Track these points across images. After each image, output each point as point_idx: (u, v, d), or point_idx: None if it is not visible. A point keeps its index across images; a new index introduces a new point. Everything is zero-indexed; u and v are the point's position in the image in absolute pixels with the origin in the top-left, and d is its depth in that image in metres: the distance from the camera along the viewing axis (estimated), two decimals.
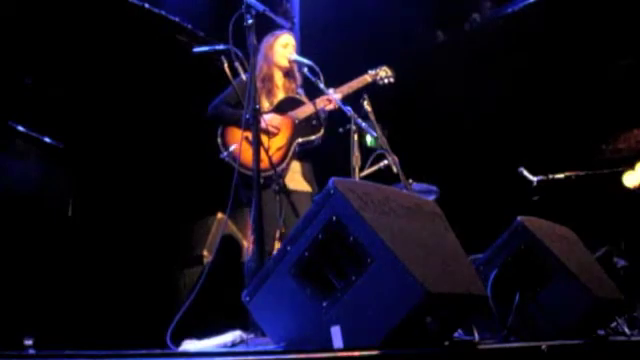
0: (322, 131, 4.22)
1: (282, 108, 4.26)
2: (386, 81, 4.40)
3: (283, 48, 4.32)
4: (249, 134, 3.55)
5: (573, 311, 3.01)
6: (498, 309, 2.89)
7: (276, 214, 4.07)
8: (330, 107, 4.21)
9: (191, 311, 2.94)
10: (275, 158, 4.06)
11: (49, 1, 4.46)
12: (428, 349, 2.17)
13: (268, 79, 4.32)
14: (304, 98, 4.33)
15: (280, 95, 4.33)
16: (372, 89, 4.38)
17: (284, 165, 4.12)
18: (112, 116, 4.74)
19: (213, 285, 3.15)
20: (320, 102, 4.21)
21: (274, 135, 4.14)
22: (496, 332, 2.94)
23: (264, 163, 3.72)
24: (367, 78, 4.36)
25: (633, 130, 6.89)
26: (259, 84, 4.14)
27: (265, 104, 4.22)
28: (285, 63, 4.32)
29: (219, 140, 4.13)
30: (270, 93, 4.30)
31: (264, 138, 3.85)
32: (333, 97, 4.14)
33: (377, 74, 4.38)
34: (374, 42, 6.30)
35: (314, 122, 4.22)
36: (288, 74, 4.38)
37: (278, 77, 4.37)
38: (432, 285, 2.17)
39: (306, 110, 4.23)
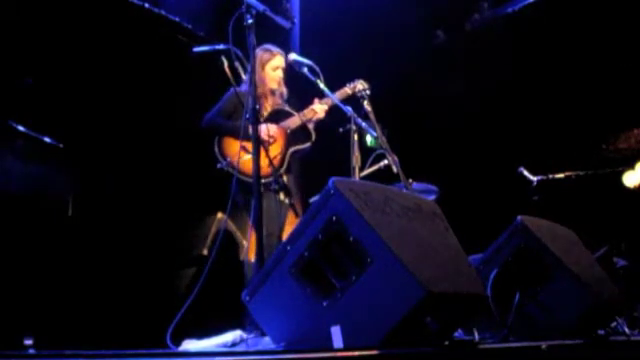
0: (313, 139, 4.43)
1: (273, 119, 4.42)
2: (364, 93, 4.48)
3: (273, 71, 4.50)
4: (247, 143, 3.60)
5: (573, 311, 3.01)
6: (498, 309, 2.89)
7: (276, 214, 4.13)
8: (318, 117, 4.42)
9: (191, 311, 2.94)
10: (271, 168, 4.16)
11: (49, 1, 4.46)
12: (428, 349, 2.17)
13: (257, 95, 4.41)
14: (291, 110, 4.50)
15: (268, 108, 4.49)
16: (372, 89, 4.40)
17: (281, 173, 4.29)
18: (112, 116, 4.73)
19: (213, 285, 3.14)
20: (308, 113, 4.42)
21: (270, 144, 4.27)
22: (496, 332, 2.94)
23: (263, 170, 3.80)
24: (347, 91, 4.48)
25: (633, 130, 6.88)
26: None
27: None
28: (274, 86, 4.51)
29: (216, 150, 4.25)
30: (259, 103, 4.39)
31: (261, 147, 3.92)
32: (333, 97, 4.24)
33: (355, 87, 4.49)
34: (374, 42, 6.30)
35: (305, 131, 4.43)
36: (274, 92, 4.55)
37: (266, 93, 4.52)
38: (432, 285, 2.17)
39: (296, 120, 4.42)
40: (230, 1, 3.66)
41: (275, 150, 4.33)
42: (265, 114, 4.41)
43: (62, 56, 4.46)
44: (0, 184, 3.78)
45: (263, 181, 3.99)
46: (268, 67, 4.48)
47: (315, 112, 4.40)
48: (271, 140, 4.29)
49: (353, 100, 4.27)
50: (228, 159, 4.20)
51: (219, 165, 4.21)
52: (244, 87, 4.22)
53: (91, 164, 4.50)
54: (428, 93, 6.71)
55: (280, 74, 4.51)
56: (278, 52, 4.53)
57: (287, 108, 4.53)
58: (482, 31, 7.10)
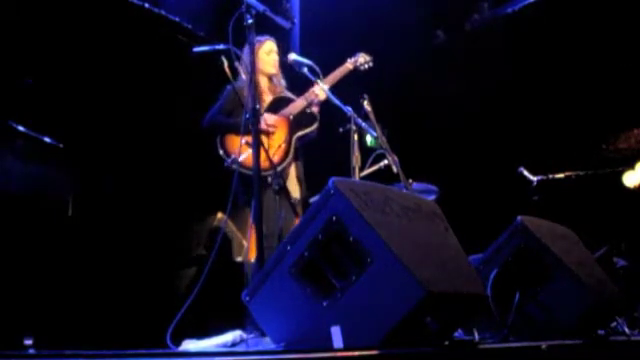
0: (317, 123, 4.35)
1: (274, 109, 4.36)
2: (366, 66, 4.52)
3: (267, 55, 4.43)
4: (248, 138, 3.59)
5: (573, 311, 3.02)
6: (498, 309, 2.89)
7: (276, 214, 4.12)
8: (319, 99, 4.31)
9: (191, 311, 2.94)
10: (277, 156, 4.13)
11: (49, 1, 4.46)
12: (428, 349, 2.17)
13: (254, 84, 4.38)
14: (292, 96, 4.43)
15: (267, 98, 4.42)
16: (372, 88, 4.41)
17: (288, 160, 4.24)
18: (112, 116, 4.73)
19: (213, 285, 3.14)
20: (309, 95, 4.32)
21: (272, 134, 4.21)
22: (496, 332, 2.94)
23: (265, 163, 3.78)
24: (348, 66, 4.47)
25: (633, 130, 6.87)
26: (246, 90, 4.18)
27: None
28: (270, 70, 4.44)
29: (220, 151, 4.23)
30: (258, 97, 4.35)
31: (263, 139, 3.92)
32: (324, 88, 4.21)
33: (357, 61, 4.49)
34: (374, 42, 6.29)
35: (308, 115, 4.34)
36: (272, 79, 4.48)
37: (263, 82, 4.47)
38: (432, 285, 2.17)
39: (298, 105, 4.34)
40: (230, 1, 3.66)
41: (279, 138, 4.26)
42: (264, 105, 4.33)
43: (62, 56, 4.46)
44: (0, 184, 3.78)
45: (264, 174, 3.98)
46: (261, 52, 4.39)
47: (316, 94, 4.30)
48: (271, 129, 4.23)
49: (353, 101, 4.26)
50: (233, 156, 4.14)
51: (226, 164, 4.16)
52: (241, 82, 4.20)
53: (91, 164, 4.50)
54: (428, 93, 6.71)
55: (275, 57, 4.44)
56: (267, 38, 4.47)
57: (288, 94, 4.45)
58: (482, 31, 7.10)
